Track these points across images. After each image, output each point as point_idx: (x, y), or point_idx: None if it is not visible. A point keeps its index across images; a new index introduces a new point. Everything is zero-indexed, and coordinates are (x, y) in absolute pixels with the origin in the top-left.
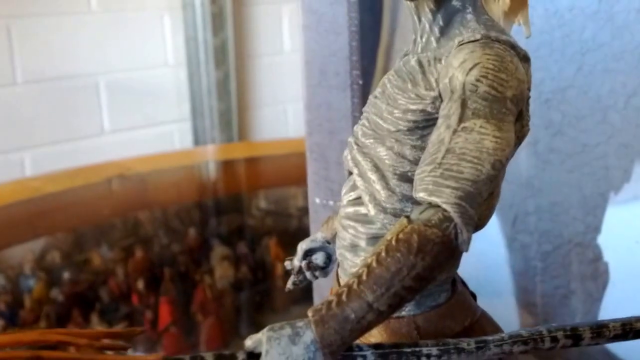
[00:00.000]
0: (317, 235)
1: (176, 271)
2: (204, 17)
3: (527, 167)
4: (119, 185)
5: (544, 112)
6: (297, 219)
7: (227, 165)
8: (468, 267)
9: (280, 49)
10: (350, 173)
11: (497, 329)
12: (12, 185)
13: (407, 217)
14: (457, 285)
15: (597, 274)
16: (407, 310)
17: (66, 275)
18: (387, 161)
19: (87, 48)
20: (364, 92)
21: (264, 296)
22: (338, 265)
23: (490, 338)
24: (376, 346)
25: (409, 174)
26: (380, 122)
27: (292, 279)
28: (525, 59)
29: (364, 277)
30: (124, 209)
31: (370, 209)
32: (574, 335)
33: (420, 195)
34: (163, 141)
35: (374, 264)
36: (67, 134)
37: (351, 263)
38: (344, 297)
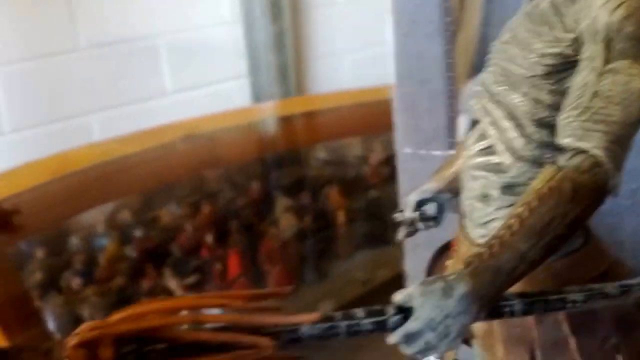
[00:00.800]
0: (428, 186)
1: (242, 224)
2: None
3: None
4: (184, 145)
5: None
6: (355, 167)
7: (285, 120)
8: None
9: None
10: (476, 122)
11: (630, 272)
12: (85, 149)
13: (555, 163)
14: (590, 230)
15: None
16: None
17: (137, 233)
18: (522, 108)
19: (145, 10)
20: (454, 40)
21: (328, 244)
22: (462, 216)
23: (633, 282)
24: (522, 295)
25: (547, 119)
26: (514, 68)
27: (403, 230)
28: None
29: (516, 228)
30: (189, 167)
31: (505, 158)
32: None
33: (567, 141)
34: (222, 98)
35: (526, 214)
36: (130, 97)
37: (482, 213)
38: (496, 248)
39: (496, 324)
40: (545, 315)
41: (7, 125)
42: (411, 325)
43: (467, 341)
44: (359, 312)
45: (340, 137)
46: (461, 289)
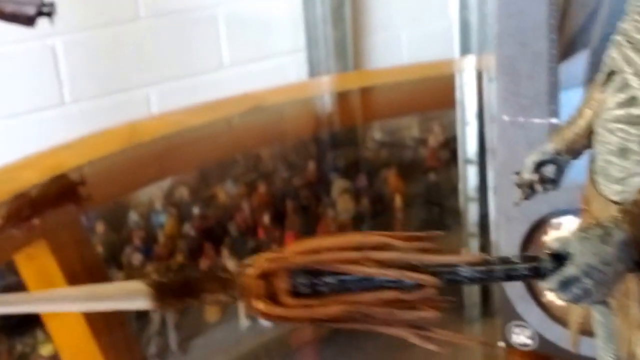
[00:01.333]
0: (547, 147)
1: (299, 205)
2: None
3: None
4: (239, 121)
5: None
6: (412, 149)
7: (342, 97)
8: None
9: None
10: (613, 74)
11: None
12: (154, 120)
13: None
14: None
15: None
16: None
17: (195, 210)
18: None
19: None
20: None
21: (385, 228)
22: (595, 172)
23: None
24: None
25: None
26: None
27: (520, 192)
28: None
29: None
30: (245, 144)
31: None
32: None
33: None
34: (279, 72)
35: None
36: (188, 69)
37: (619, 167)
38: None
39: (634, 283)
40: None
41: (69, 96)
42: (568, 271)
43: (605, 301)
44: (515, 257)
45: (398, 114)
46: (620, 235)
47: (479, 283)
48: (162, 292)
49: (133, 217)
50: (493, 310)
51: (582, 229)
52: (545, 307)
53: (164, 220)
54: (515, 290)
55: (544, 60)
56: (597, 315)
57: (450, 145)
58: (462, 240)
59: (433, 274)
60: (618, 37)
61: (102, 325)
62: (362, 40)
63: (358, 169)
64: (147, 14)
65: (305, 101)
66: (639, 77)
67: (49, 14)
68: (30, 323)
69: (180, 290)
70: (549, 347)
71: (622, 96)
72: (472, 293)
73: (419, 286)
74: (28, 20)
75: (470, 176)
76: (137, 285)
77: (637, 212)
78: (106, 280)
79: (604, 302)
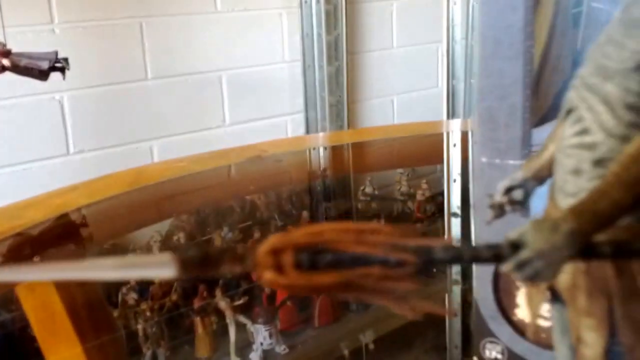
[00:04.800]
0: (517, 175)
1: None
2: (319, 15)
3: None
4: (236, 171)
5: None
6: (400, 203)
7: (335, 151)
8: None
9: (389, 44)
10: (571, 111)
11: None
12: (158, 165)
13: None
14: None
15: None
16: (627, 217)
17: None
18: (614, 95)
19: (212, 45)
20: (533, 61)
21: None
22: (554, 191)
23: None
24: (610, 242)
25: (635, 104)
26: (608, 63)
27: (492, 213)
28: None
29: (613, 181)
30: (241, 192)
31: (598, 137)
32: None
33: None
34: (277, 132)
35: (621, 170)
36: (192, 126)
37: (574, 184)
38: (595, 197)
39: (580, 277)
40: (623, 265)
41: (73, 147)
42: (523, 255)
43: (556, 296)
44: (480, 244)
45: (387, 169)
46: (566, 226)
47: (449, 264)
48: (186, 263)
49: None
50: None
51: (536, 222)
52: (514, 325)
53: None
54: (488, 312)
55: (518, 111)
56: (554, 312)
57: (435, 200)
58: (447, 287)
59: (412, 254)
60: (576, 81)
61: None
62: (357, 105)
63: (349, 219)
64: (154, 76)
65: (302, 154)
66: (590, 112)
67: (62, 70)
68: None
69: (202, 262)
70: None
71: (576, 127)
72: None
73: (401, 264)
74: (41, 74)
75: (454, 228)
76: (165, 256)
77: (580, 210)
78: (106, 315)
79: (557, 297)
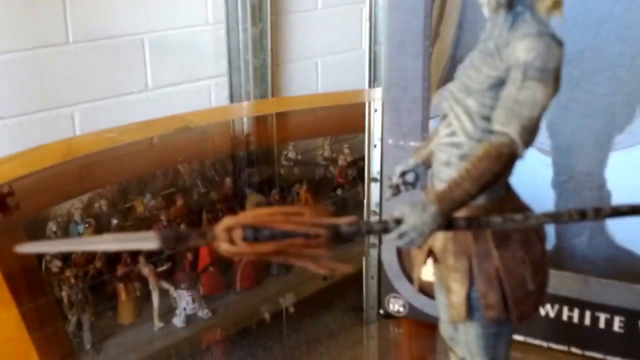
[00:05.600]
0: (409, 161)
1: (214, 217)
2: None
3: (550, 113)
4: (160, 140)
5: (566, 69)
6: (323, 168)
7: (259, 120)
8: None
9: (314, 4)
10: (445, 116)
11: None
12: (89, 137)
13: (489, 140)
14: (510, 186)
15: (602, 198)
16: (481, 199)
17: (113, 221)
18: (473, 108)
19: (134, 8)
20: (431, 58)
21: None
22: (433, 176)
23: (532, 214)
24: (466, 218)
25: (487, 115)
26: (470, 83)
27: (390, 192)
28: (560, 44)
29: (465, 175)
30: (164, 162)
31: (462, 138)
32: (582, 213)
33: (497, 127)
34: (201, 96)
35: (471, 168)
36: (114, 91)
37: (445, 173)
38: (453, 186)
39: (449, 242)
40: (479, 233)
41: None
42: (402, 228)
43: (434, 258)
44: (374, 221)
45: (311, 137)
46: (432, 208)
47: (352, 236)
48: (165, 238)
49: (53, 227)
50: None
51: (411, 204)
52: (413, 283)
53: (82, 230)
54: (393, 271)
55: (419, 101)
56: (434, 269)
57: (357, 165)
58: (364, 250)
59: (324, 229)
60: (447, 93)
61: (36, 322)
62: (281, 68)
63: (272, 185)
64: (75, 40)
65: (226, 124)
66: (457, 120)
67: None
68: None
69: (176, 237)
70: (416, 313)
71: (447, 130)
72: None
73: (317, 236)
74: None
75: (374, 192)
76: (149, 233)
77: (441, 196)
78: (40, 281)
79: (435, 258)
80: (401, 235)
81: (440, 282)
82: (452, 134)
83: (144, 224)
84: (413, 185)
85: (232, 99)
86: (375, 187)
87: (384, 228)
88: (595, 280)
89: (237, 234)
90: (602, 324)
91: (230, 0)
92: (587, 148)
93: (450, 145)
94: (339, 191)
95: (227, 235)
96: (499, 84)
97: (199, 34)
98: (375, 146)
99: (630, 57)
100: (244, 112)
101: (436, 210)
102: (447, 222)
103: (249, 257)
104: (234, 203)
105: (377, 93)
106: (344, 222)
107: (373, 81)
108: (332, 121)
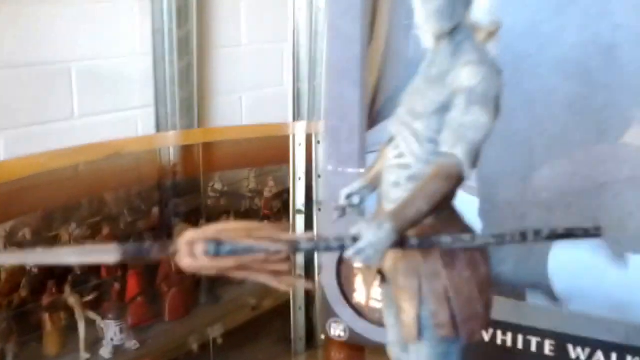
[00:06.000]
0: (355, 184)
1: None
2: (170, 9)
3: None
4: (86, 167)
5: None
6: (248, 199)
7: (186, 150)
8: None
9: (239, 40)
10: (392, 139)
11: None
12: (16, 161)
13: (438, 162)
14: (454, 207)
15: (525, 223)
16: (429, 219)
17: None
18: (420, 130)
19: (62, 36)
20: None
21: None
22: (381, 197)
23: (473, 235)
24: (417, 236)
25: (433, 137)
26: (417, 107)
27: (336, 214)
28: (499, 71)
29: (418, 194)
30: (90, 190)
31: (410, 160)
32: (523, 234)
33: (445, 149)
34: (128, 125)
35: (423, 187)
36: (40, 118)
37: (394, 194)
38: (406, 204)
39: (399, 261)
40: (428, 253)
41: None
42: (360, 245)
43: (383, 277)
44: (332, 238)
45: (236, 168)
46: (388, 225)
47: (310, 251)
48: (126, 251)
49: None
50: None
51: (367, 222)
52: (354, 308)
53: None
54: (333, 296)
55: (356, 129)
56: (383, 290)
57: (281, 196)
58: (292, 279)
59: (284, 244)
60: (395, 117)
61: None
62: (207, 101)
63: (199, 215)
64: (2, 66)
65: (153, 152)
66: (405, 142)
67: None
68: None
69: (138, 250)
70: (357, 338)
71: (395, 152)
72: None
73: (277, 252)
74: None
75: (299, 223)
76: (111, 245)
77: (395, 214)
78: None
79: (385, 278)
80: (358, 252)
81: (389, 302)
82: (400, 155)
83: None
84: (358, 207)
85: (158, 129)
86: (300, 219)
87: (341, 245)
88: (524, 304)
89: (199, 248)
90: (533, 348)
91: (157, 33)
92: (507, 178)
93: (399, 167)
94: (265, 222)
95: (189, 249)
96: (443, 108)
97: (127, 64)
98: (299, 179)
99: (544, 94)
100: (171, 142)
101: (391, 227)
102: (400, 240)
103: (210, 272)
104: (161, 233)
105: (301, 127)
106: (302, 238)
107: (297, 116)
108: (258, 153)
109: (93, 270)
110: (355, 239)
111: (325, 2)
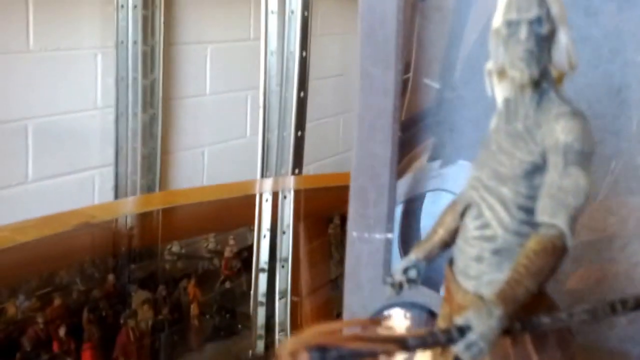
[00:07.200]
0: (411, 256)
1: (98, 316)
2: (135, 57)
3: None
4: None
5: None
6: (208, 260)
7: (145, 216)
8: None
9: (203, 90)
10: (471, 206)
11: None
12: None
13: (538, 233)
14: None
15: None
16: None
17: None
18: (508, 197)
19: (18, 90)
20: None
21: (181, 336)
22: (455, 274)
23: (573, 311)
24: (519, 319)
25: (525, 205)
26: (501, 169)
27: (392, 290)
28: (588, 120)
29: (524, 272)
30: (40, 260)
31: (496, 231)
32: (612, 306)
33: (545, 218)
34: (84, 188)
35: (529, 264)
36: None
37: (476, 269)
38: (513, 285)
39: (510, 349)
40: (518, 339)
41: None
42: (471, 337)
43: None
44: (438, 331)
45: (197, 233)
46: (498, 311)
47: (420, 348)
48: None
49: None
50: None
51: (475, 310)
52: None
53: None
54: None
55: (386, 191)
56: None
57: (241, 256)
58: (251, 342)
59: (395, 343)
60: (474, 182)
61: None
62: (170, 157)
63: (157, 280)
64: None
65: (109, 220)
66: (490, 210)
67: None
68: None
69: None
70: None
71: (478, 222)
72: None
73: (386, 352)
74: None
75: (261, 283)
76: None
77: (503, 296)
78: None
79: None
80: (469, 347)
81: None
82: (485, 226)
83: (16, 327)
84: (416, 282)
85: (116, 190)
86: (262, 277)
87: (449, 338)
88: None
89: (303, 357)
90: None
91: (120, 84)
92: None
93: (482, 239)
94: (227, 283)
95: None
96: (534, 170)
97: (87, 119)
98: (264, 236)
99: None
100: (129, 209)
101: (502, 313)
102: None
103: None
104: (118, 300)
105: (268, 184)
106: (411, 334)
107: (265, 170)
108: (220, 214)
109: (43, 344)
110: (462, 330)
111: (359, 46)
